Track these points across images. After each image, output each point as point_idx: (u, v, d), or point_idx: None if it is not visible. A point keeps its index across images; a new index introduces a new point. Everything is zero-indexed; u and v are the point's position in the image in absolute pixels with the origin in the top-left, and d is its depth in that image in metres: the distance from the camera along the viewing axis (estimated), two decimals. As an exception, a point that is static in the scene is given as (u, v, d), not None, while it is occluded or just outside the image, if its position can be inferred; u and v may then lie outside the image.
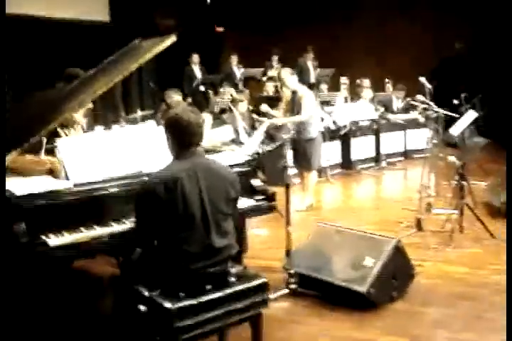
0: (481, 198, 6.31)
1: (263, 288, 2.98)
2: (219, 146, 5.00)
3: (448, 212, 5.36)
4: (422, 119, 7.89)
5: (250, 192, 3.75)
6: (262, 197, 3.74)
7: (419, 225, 5.42)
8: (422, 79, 6.47)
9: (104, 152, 3.40)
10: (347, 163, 8.46)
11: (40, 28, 8.17)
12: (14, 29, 7.87)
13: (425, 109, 6.06)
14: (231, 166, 3.64)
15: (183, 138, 2.84)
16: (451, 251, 4.86)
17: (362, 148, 8.58)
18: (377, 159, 8.81)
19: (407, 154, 9.22)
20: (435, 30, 11.66)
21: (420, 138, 8.38)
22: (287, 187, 4.00)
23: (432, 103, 5.97)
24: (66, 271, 3.92)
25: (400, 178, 8.27)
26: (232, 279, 2.92)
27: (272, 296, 3.85)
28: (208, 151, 4.21)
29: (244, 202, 3.64)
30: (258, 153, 6.08)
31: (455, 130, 6.03)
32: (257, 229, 5.55)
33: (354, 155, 8.48)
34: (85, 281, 4.30)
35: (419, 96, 6.02)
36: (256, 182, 3.80)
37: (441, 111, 6.11)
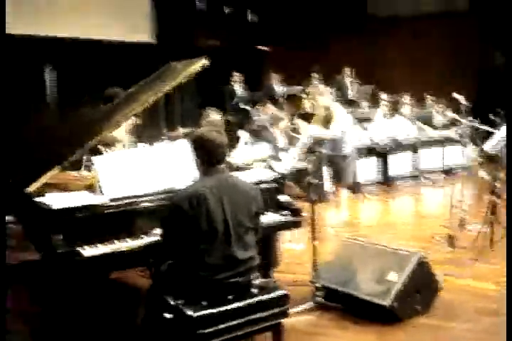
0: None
1: (283, 299, 3.11)
2: (251, 163, 5.16)
3: (479, 228, 5.38)
4: (455, 135, 7.92)
5: (277, 207, 3.90)
6: (289, 212, 3.88)
7: (450, 241, 5.45)
8: (456, 95, 6.53)
9: (138, 168, 3.60)
10: (384, 179, 8.51)
11: (87, 49, 8.53)
12: (66, 51, 8.27)
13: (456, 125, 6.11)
14: (259, 182, 3.82)
15: (207, 156, 3.04)
16: (480, 266, 4.88)
17: (400, 164, 8.62)
18: (415, 175, 8.83)
19: (446, 170, 9.20)
20: (474, 43, 11.64)
21: (460, 154, 8.38)
22: (312, 202, 4.12)
23: (463, 119, 6.01)
24: (104, 282, 4.15)
25: (438, 194, 8.26)
26: (254, 290, 3.07)
27: (298, 309, 4.00)
28: (239, 168, 4.40)
29: (270, 217, 3.80)
30: (299, 170, 6.26)
31: (488, 145, 6.04)
32: (291, 244, 5.66)
33: (392, 171, 8.52)
34: (124, 292, 4.51)
35: (449, 113, 6.06)
36: (283, 198, 3.95)
37: (477, 125, 6.14)
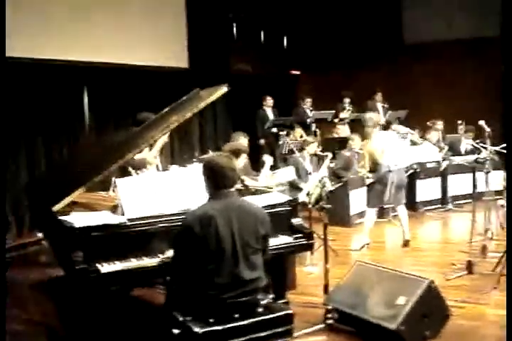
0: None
1: (288, 319, 3.23)
2: (271, 187, 5.32)
3: (499, 255, 5.40)
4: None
5: (290, 230, 4.04)
6: (301, 235, 4.02)
7: (469, 267, 5.48)
8: (482, 123, 6.60)
9: (157, 191, 3.80)
10: (411, 204, 8.52)
11: (123, 75, 8.86)
12: (101, 77, 8.62)
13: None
14: (272, 206, 3.98)
15: (216, 180, 3.23)
16: (497, 294, 4.89)
17: (427, 189, 8.64)
18: (443, 201, 8.83)
19: (475, 196, 9.13)
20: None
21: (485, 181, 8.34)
22: (325, 227, 4.24)
23: (487, 146, 6.07)
24: (125, 298, 4.35)
25: (465, 220, 8.21)
26: (260, 309, 3.21)
27: (309, 330, 4.11)
28: (257, 191, 4.57)
29: (282, 240, 3.95)
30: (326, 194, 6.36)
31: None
32: (309, 267, 5.78)
33: (419, 197, 8.54)
34: (145, 308, 4.69)
35: (470, 141, 6.13)
36: (296, 221, 4.09)
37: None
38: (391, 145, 6.75)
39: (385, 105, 11.26)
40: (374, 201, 6.79)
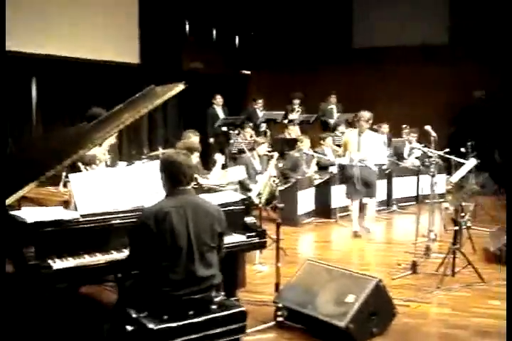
0: (483, 244, 6.50)
1: (241, 316, 3.27)
2: (223, 185, 5.34)
3: (442, 256, 5.58)
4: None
5: (243, 228, 4.08)
6: (254, 233, 4.06)
7: (414, 268, 5.64)
8: (428, 128, 6.81)
9: (111, 187, 3.77)
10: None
11: (74, 68, 8.72)
12: (51, 70, 8.44)
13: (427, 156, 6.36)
14: (226, 204, 4.00)
15: (174, 177, 3.23)
16: (440, 293, 5.05)
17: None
18: (388, 203, 9.04)
19: (419, 199, 9.37)
20: (457, 77, 12.00)
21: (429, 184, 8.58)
22: (278, 226, 4.29)
23: (431, 150, 6.26)
24: (73, 296, 4.27)
25: (409, 222, 8.43)
26: (214, 307, 3.23)
27: (259, 327, 4.15)
28: (210, 189, 4.58)
29: (236, 238, 3.98)
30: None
31: (454, 177, 6.30)
32: (259, 266, 5.82)
33: (365, 199, 8.69)
34: (93, 306, 4.62)
35: (417, 145, 6.32)
36: (249, 220, 4.13)
37: (447, 156, 6.40)
38: (370, 143, 7.22)
39: (336, 107, 11.43)
40: (351, 194, 7.28)
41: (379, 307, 4.10)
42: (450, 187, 7.68)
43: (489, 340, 4.12)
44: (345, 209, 8.39)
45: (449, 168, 8.90)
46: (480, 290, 5.14)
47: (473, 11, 12.07)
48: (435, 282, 5.26)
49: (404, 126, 10.64)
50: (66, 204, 3.89)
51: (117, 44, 9.54)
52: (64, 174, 4.34)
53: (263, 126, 11.30)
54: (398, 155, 9.79)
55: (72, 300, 4.18)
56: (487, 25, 11.87)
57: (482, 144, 8.75)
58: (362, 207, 7.63)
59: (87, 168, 5.08)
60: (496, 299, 4.90)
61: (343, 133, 10.58)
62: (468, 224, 6.41)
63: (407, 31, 12.47)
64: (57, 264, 3.31)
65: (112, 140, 5.50)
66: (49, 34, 8.13)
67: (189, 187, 3.28)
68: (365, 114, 7.22)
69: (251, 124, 10.77)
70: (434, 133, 6.69)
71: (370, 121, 7.27)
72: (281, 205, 4.26)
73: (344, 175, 7.45)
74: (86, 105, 6.26)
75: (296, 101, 11.47)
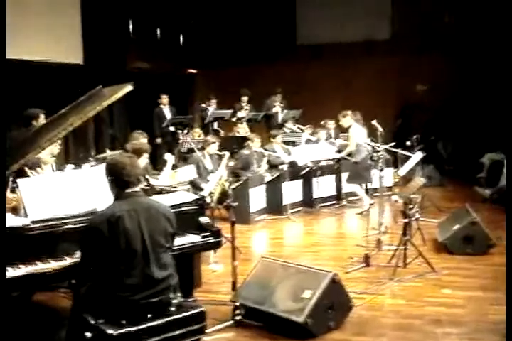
0: (432, 235, 6.67)
1: (200, 317, 3.27)
2: (175, 186, 5.31)
3: (393, 248, 5.70)
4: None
5: (198, 228, 4.07)
6: (209, 233, 4.06)
7: (366, 260, 5.74)
8: (374, 122, 6.93)
9: (61, 191, 3.70)
10: (308, 202, 8.79)
11: (16, 70, 8.49)
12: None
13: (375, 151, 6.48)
14: (180, 205, 3.98)
15: (119, 180, 3.21)
16: (393, 284, 5.15)
17: (323, 186, 8.92)
18: (338, 197, 9.16)
19: (368, 192, 9.55)
20: (400, 71, 12.28)
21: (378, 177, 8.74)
22: (232, 224, 4.29)
23: (377, 145, 6.39)
24: (26, 304, 4.17)
25: (359, 216, 8.59)
26: (172, 309, 3.21)
27: (217, 327, 4.15)
28: (162, 190, 4.55)
29: (191, 238, 3.97)
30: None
31: (402, 170, 6.45)
32: (214, 265, 5.81)
33: (316, 194, 8.81)
34: (48, 314, 4.53)
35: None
36: (203, 220, 4.12)
37: (394, 149, 6.54)
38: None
39: (282, 104, 11.49)
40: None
41: (335, 300, 4.15)
42: (397, 180, 7.86)
43: (443, 328, 4.22)
44: (297, 204, 8.52)
45: (395, 161, 9.14)
46: (432, 280, 5.27)
47: (415, 4, 12.38)
48: (388, 274, 5.37)
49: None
50: (14, 210, 3.79)
51: (60, 44, 9.34)
52: (10, 179, 4.23)
53: (214, 125, 11.27)
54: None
55: (26, 308, 4.10)
56: (430, 17, 12.20)
57: (426, 137, 9.00)
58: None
59: (33, 171, 4.98)
60: (448, 288, 5.05)
61: (290, 129, 10.72)
62: (417, 215, 6.57)
63: (348, 28, 12.68)
64: (9, 273, 3.22)
65: (57, 144, 5.40)
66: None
67: (138, 188, 3.26)
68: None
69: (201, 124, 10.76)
70: (380, 128, 6.82)
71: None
72: (234, 204, 4.26)
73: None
74: (29, 106, 6.11)
75: (245, 99, 11.48)
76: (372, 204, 7.61)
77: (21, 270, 3.28)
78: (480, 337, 4.06)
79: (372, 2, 12.73)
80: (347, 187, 9.15)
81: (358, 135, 8.19)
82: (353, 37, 12.64)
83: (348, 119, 8.29)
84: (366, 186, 8.40)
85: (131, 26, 11.61)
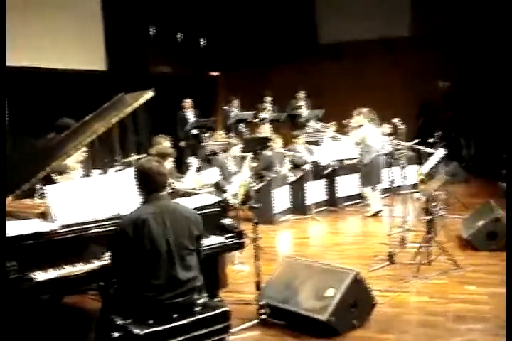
0: (458, 232, 6.66)
1: (225, 316, 3.34)
2: (199, 188, 5.40)
3: (417, 246, 5.71)
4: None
5: (221, 230, 4.14)
6: (232, 234, 4.14)
7: (391, 258, 5.77)
8: (396, 120, 6.93)
9: (87, 196, 3.80)
10: (332, 201, 8.83)
11: (41, 79, 8.67)
12: (17, 80, 8.38)
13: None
14: (203, 207, 4.07)
15: (148, 184, 3.31)
16: (417, 282, 5.18)
17: (347, 185, 8.94)
18: (361, 196, 9.16)
19: (392, 190, 9.51)
20: (421, 70, 12.21)
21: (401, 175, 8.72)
22: (255, 225, 4.37)
23: (402, 142, 6.40)
24: (56, 307, 4.29)
25: (384, 214, 8.59)
26: (197, 308, 3.30)
27: (243, 326, 4.23)
28: (186, 193, 4.64)
29: (214, 240, 4.05)
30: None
31: (425, 168, 6.45)
32: (239, 265, 5.89)
33: (339, 193, 8.84)
34: (77, 316, 4.64)
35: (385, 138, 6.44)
36: (226, 221, 4.20)
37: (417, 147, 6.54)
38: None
39: (308, 104, 11.53)
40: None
41: (359, 298, 4.20)
42: (422, 178, 7.83)
43: (467, 325, 4.24)
44: (321, 204, 8.56)
45: (419, 159, 9.10)
46: (456, 277, 5.29)
47: (434, 2, 12.31)
48: (412, 271, 5.39)
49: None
50: (43, 216, 3.90)
51: (83, 52, 9.51)
52: (38, 186, 4.35)
53: (239, 127, 11.34)
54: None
55: (56, 310, 4.22)
56: (449, 16, 12.11)
57: (449, 134, 8.97)
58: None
59: (61, 178, 5.10)
60: (472, 284, 5.06)
61: (314, 129, 10.75)
62: (441, 212, 6.57)
63: (368, 26, 12.65)
64: (39, 276, 3.33)
65: (83, 150, 5.51)
66: (14, 45, 8.04)
67: (164, 192, 3.35)
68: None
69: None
70: (402, 126, 6.82)
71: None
72: (257, 205, 4.33)
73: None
74: (55, 115, 6.23)
75: (268, 99, 11.54)
76: (380, 211, 7.70)
77: (51, 273, 3.39)
78: (504, 334, 4.06)
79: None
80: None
81: (367, 135, 8.08)
82: (373, 35, 12.61)
83: (359, 118, 8.20)
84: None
85: (152, 31, 11.76)
